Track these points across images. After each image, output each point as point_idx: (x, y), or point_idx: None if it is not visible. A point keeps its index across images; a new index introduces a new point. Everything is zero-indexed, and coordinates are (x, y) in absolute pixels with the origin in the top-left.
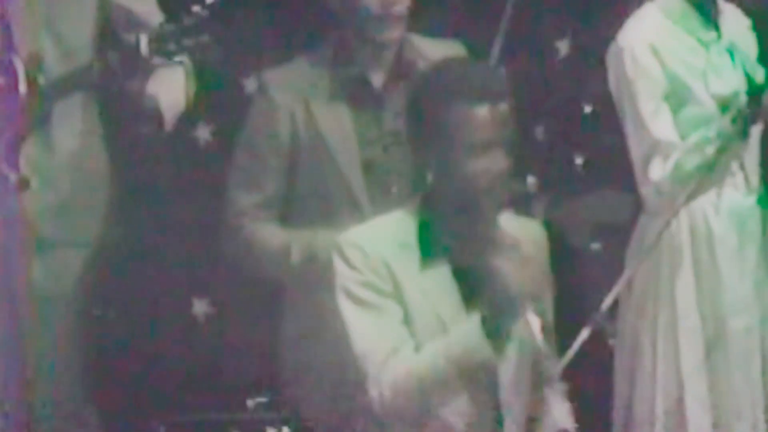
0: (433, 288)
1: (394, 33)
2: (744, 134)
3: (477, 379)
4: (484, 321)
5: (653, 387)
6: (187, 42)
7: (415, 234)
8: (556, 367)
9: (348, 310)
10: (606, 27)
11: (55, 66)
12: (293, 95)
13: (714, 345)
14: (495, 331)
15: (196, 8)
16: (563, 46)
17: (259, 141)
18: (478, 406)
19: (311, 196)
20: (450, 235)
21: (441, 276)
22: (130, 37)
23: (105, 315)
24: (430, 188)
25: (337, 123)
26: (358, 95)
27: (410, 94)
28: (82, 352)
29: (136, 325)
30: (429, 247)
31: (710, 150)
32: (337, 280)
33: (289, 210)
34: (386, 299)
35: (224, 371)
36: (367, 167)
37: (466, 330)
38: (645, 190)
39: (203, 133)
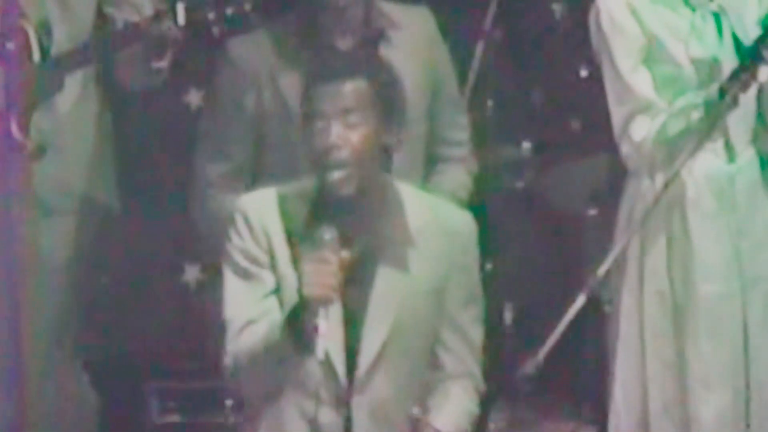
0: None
1: None
2: (732, 102)
3: (288, 369)
4: (288, 316)
5: (614, 350)
6: (228, 10)
7: (305, 209)
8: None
9: (226, 275)
10: None
11: (60, 33)
12: (258, 63)
13: (682, 311)
14: (295, 328)
15: None
16: (559, 9)
17: (225, 110)
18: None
19: (278, 164)
20: (332, 215)
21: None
22: (115, 12)
23: (97, 281)
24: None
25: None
26: (324, 63)
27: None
28: (78, 319)
29: (127, 291)
30: (313, 223)
31: (696, 115)
32: (227, 246)
33: (258, 179)
34: (261, 269)
35: (217, 339)
36: None
37: (279, 321)
38: (625, 149)
39: (194, 98)
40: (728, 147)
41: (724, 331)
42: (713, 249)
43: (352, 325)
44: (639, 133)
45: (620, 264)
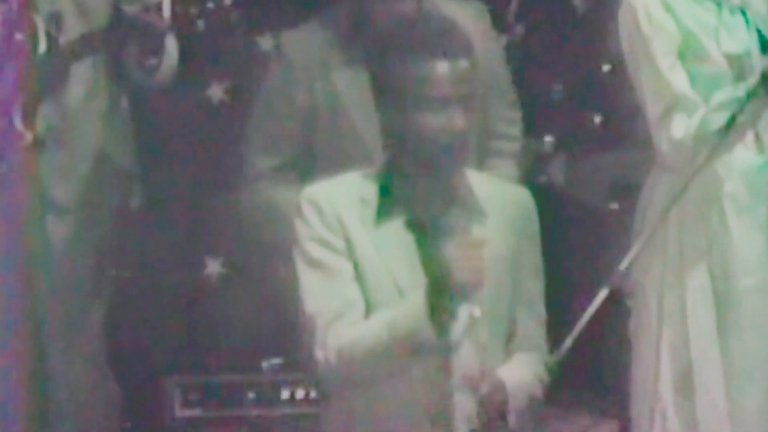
0: (388, 245)
1: None
2: None
3: (420, 356)
4: (427, 301)
5: (658, 348)
6: (210, 5)
7: (375, 190)
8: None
9: (301, 268)
10: None
11: (73, 26)
12: (310, 56)
13: (725, 305)
14: (436, 313)
15: None
16: (581, 4)
17: (276, 103)
18: (431, 384)
19: (328, 157)
20: (410, 193)
21: (397, 233)
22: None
23: (119, 275)
24: (393, 145)
25: (354, 84)
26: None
27: (372, 49)
28: (99, 313)
29: (150, 285)
30: (387, 204)
31: (736, 110)
32: (296, 238)
33: (307, 172)
34: (337, 256)
35: (238, 332)
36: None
37: (411, 306)
38: (665, 148)
39: (217, 91)
40: (758, 139)
41: (764, 322)
42: (750, 242)
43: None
44: (679, 130)
45: (651, 254)
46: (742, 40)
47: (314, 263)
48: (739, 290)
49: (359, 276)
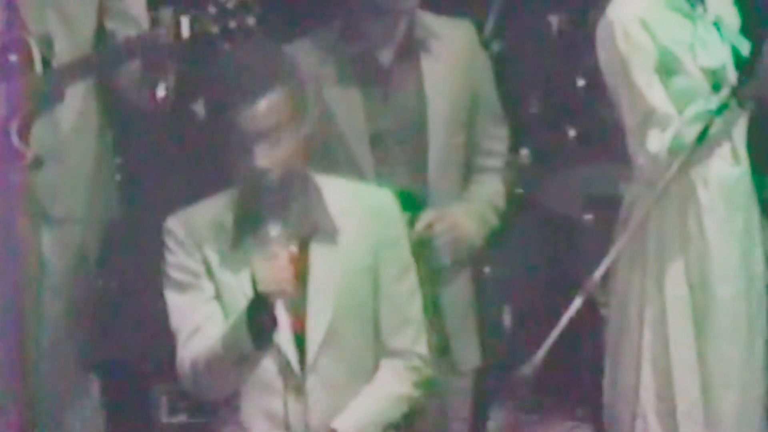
0: (242, 266)
1: (408, 2)
2: (743, 105)
3: (246, 368)
4: (247, 314)
5: (639, 356)
6: (231, 24)
7: (231, 217)
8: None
9: (166, 291)
10: (598, 0)
11: (63, 47)
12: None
13: (702, 314)
14: (253, 324)
15: None
16: (556, 20)
17: None
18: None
19: (321, 171)
20: (260, 218)
21: (249, 255)
22: (117, 27)
23: (106, 285)
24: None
25: (344, 98)
26: (365, 72)
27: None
28: (86, 323)
29: (136, 293)
30: (240, 229)
31: (710, 122)
32: (163, 265)
33: None
34: (198, 279)
35: None
36: (374, 141)
37: (236, 319)
38: (642, 161)
39: (201, 107)
40: (734, 152)
41: (739, 330)
42: (727, 252)
43: (297, 312)
44: (654, 144)
45: (632, 265)
46: (717, 54)
47: (177, 287)
48: (716, 299)
49: (218, 296)
